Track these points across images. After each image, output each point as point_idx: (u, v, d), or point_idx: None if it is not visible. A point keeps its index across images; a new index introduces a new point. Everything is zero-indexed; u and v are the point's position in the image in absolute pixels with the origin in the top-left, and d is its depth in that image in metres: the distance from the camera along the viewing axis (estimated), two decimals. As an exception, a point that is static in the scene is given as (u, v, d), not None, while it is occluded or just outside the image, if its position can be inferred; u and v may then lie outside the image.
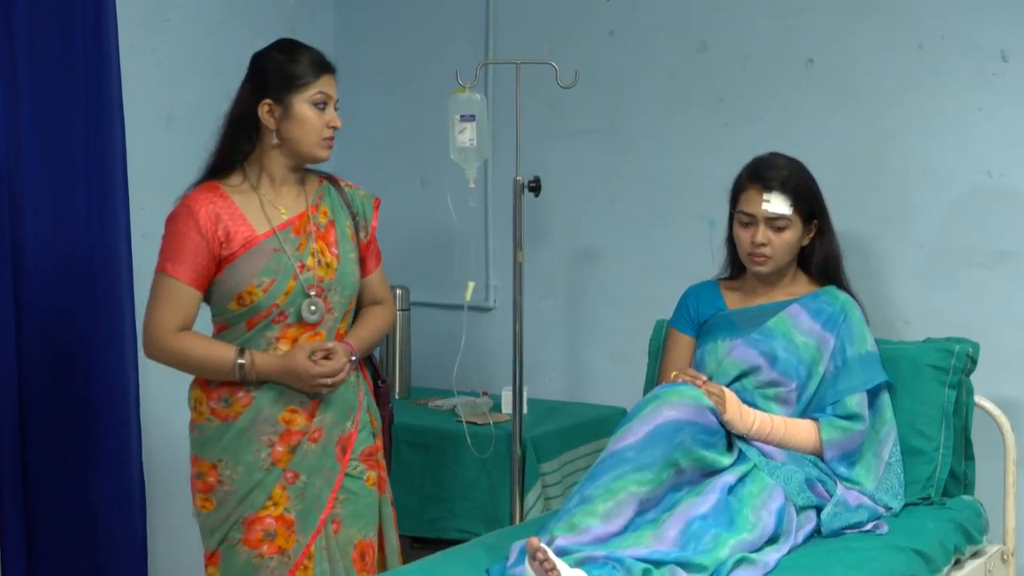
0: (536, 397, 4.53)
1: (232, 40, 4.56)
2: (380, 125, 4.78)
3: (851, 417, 3.39)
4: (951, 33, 3.96)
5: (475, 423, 4.13)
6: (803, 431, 3.40)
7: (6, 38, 3.73)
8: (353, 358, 3.24)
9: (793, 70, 4.20)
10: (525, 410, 4.03)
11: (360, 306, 3.38)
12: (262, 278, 3.15)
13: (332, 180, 3.38)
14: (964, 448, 3.58)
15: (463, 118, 3.82)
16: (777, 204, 3.39)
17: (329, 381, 3.16)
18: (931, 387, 3.54)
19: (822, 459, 3.40)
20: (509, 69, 3.99)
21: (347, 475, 3.27)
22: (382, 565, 3.38)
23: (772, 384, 3.44)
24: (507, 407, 4.19)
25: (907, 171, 4.05)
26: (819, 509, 3.27)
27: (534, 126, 4.33)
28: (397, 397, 4.52)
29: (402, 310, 4.50)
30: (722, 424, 3.27)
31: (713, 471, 3.20)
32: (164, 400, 4.34)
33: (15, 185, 3.78)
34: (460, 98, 3.83)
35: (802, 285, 3.54)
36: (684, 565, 2.92)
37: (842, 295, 3.51)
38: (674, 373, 3.40)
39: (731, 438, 3.32)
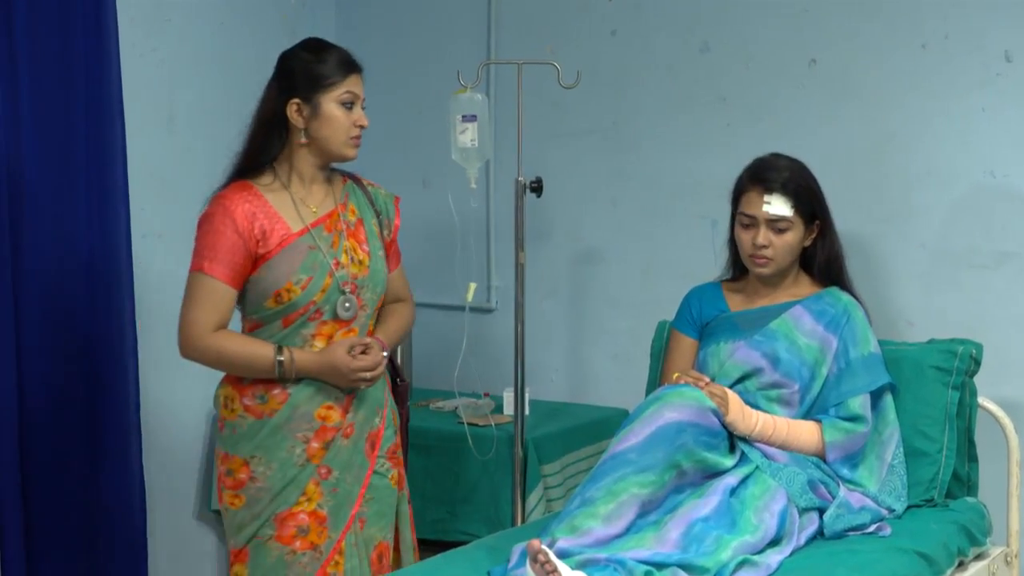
0: (538, 398, 4.54)
1: (233, 40, 4.57)
2: (381, 125, 4.70)
3: (854, 419, 3.38)
4: (955, 33, 3.95)
5: (476, 424, 4.12)
6: (806, 433, 3.39)
7: (6, 38, 3.72)
8: (385, 353, 3.27)
9: (796, 70, 4.19)
10: (527, 411, 4.02)
11: (382, 304, 3.41)
12: (300, 275, 3.17)
13: (355, 179, 3.41)
14: (967, 450, 3.57)
15: (465, 118, 3.82)
16: (778, 206, 3.38)
17: (368, 375, 3.19)
18: (934, 388, 3.52)
19: (825, 461, 3.39)
20: (511, 69, 3.99)
21: (375, 472, 3.30)
22: (397, 564, 3.40)
23: (774, 386, 3.43)
24: (509, 408, 4.19)
25: (910, 171, 4.04)
26: (822, 511, 3.26)
27: (536, 126, 4.31)
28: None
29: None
30: (724, 426, 3.26)
31: (715, 473, 3.19)
32: (164, 401, 4.37)
33: (15, 185, 3.77)
34: (462, 98, 3.83)
35: (804, 286, 3.53)
36: (686, 567, 2.91)
37: (845, 296, 3.50)
38: (676, 374, 3.39)
39: (733, 440, 3.30)
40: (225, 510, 3.28)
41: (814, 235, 3.49)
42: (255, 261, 3.18)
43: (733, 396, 3.32)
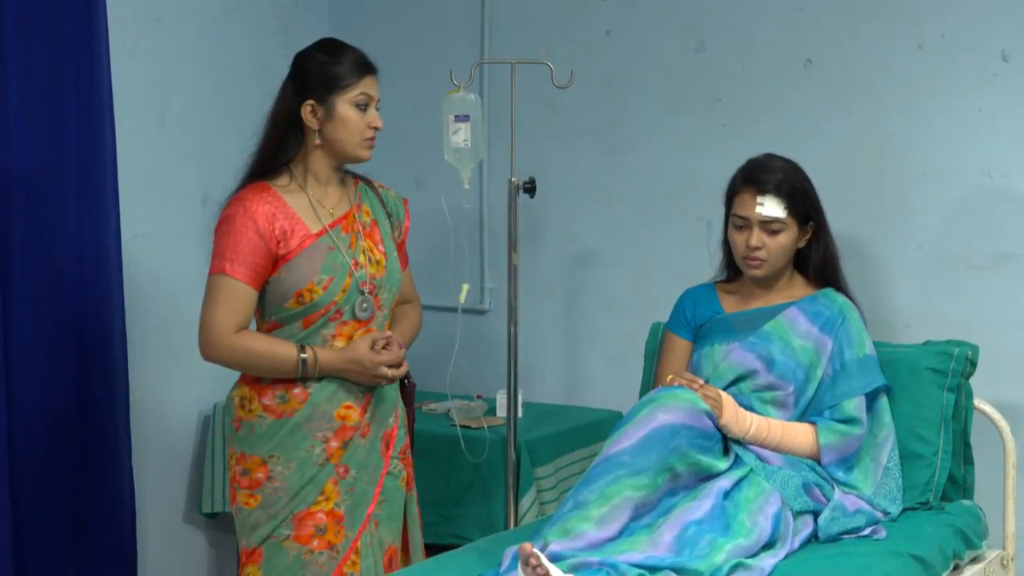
0: (532, 401, 4.53)
1: (225, 39, 4.56)
2: (374, 125, 4.76)
3: (849, 421, 3.37)
4: (952, 33, 3.94)
5: (469, 427, 4.11)
6: (800, 435, 3.37)
7: (-5, 37, 3.71)
8: (403, 351, 3.31)
9: (792, 70, 4.18)
10: (520, 414, 4.01)
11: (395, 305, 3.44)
12: (321, 276, 3.19)
13: (366, 181, 3.43)
14: (963, 452, 3.55)
15: (457, 118, 3.79)
16: (771, 207, 3.37)
17: (391, 372, 3.22)
18: (930, 390, 3.51)
19: (819, 463, 3.37)
20: (505, 69, 3.97)
21: (388, 473, 3.33)
22: (406, 564, 3.40)
23: (769, 388, 3.41)
24: (502, 411, 4.18)
25: (907, 172, 4.02)
26: (816, 514, 3.24)
27: (530, 127, 4.31)
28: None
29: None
30: (718, 428, 3.25)
31: (709, 476, 3.17)
32: (154, 402, 4.36)
33: (4, 185, 3.75)
34: (454, 98, 3.80)
35: (799, 288, 3.52)
36: (679, 571, 2.89)
37: (840, 298, 3.49)
38: (670, 376, 3.37)
39: (727, 442, 3.29)
40: (239, 510, 3.28)
41: (808, 236, 3.47)
42: (275, 262, 3.18)
43: (727, 398, 3.30)
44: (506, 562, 2.95)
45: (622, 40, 4.45)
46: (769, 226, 3.38)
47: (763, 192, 3.37)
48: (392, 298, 3.36)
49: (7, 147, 3.75)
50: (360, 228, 3.29)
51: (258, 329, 3.28)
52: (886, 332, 3.90)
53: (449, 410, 4.15)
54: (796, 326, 3.43)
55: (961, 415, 3.53)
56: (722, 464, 3.21)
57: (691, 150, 4.34)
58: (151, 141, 4.31)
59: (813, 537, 3.22)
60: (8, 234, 3.76)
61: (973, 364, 3.54)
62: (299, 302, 3.19)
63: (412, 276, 3.53)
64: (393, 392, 3.36)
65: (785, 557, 3.08)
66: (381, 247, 3.32)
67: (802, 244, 3.47)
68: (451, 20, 4.77)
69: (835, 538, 3.22)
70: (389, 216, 3.40)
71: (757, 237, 3.39)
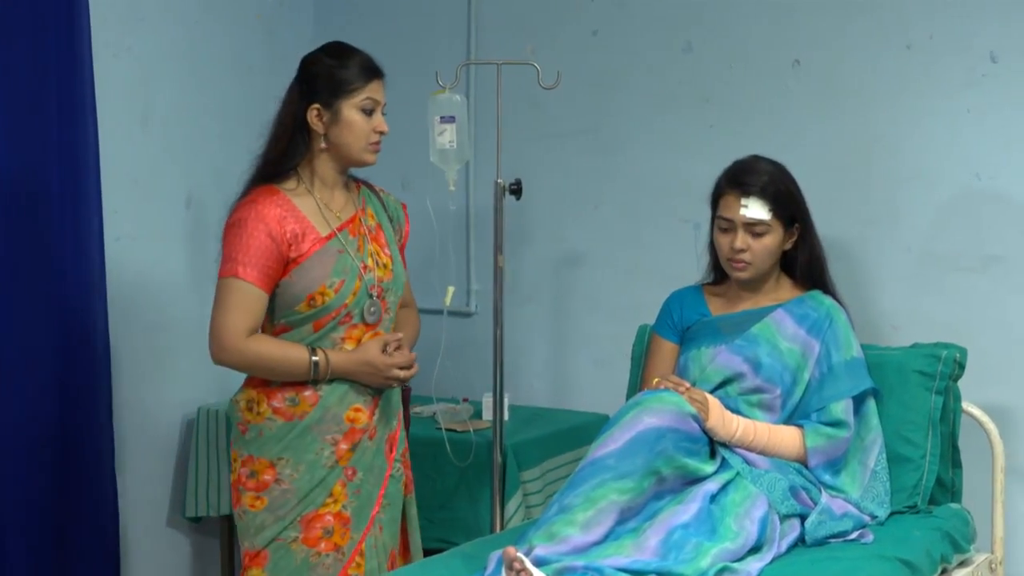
0: (519, 404, 4.52)
1: (209, 39, 4.55)
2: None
3: (836, 424, 3.35)
4: (940, 33, 3.93)
5: (455, 430, 4.09)
6: (787, 438, 3.36)
7: (-25, 37, 3.70)
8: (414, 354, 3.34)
9: (780, 71, 4.16)
10: (506, 417, 3.99)
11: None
12: (333, 279, 3.20)
13: (368, 185, 3.45)
14: (951, 455, 3.54)
15: (443, 119, 3.77)
16: (755, 209, 3.35)
17: (403, 374, 3.25)
18: (918, 393, 3.50)
19: (806, 467, 3.36)
20: (491, 69, 3.94)
21: (391, 476, 3.35)
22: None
23: (756, 391, 3.40)
24: (488, 414, 4.16)
25: (895, 173, 4.01)
26: (803, 518, 3.23)
27: (517, 128, 4.29)
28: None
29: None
30: (705, 431, 3.23)
31: (695, 479, 3.16)
32: (138, 406, 4.35)
33: (-15, 187, 3.74)
34: (440, 99, 3.78)
35: (786, 290, 3.51)
36: (665, 575, 2.87)
37: (827, 300, 3.47)
38: (656, 379, 3.36)
39: (714, 445, 3.28)
40: (243, 512, 3.26)
41: (794, 239, 3.46)
42: (286, 265, 3.18)
43: (714, 401, 3.29)
44: (490, 566, 2.93)
45: (609, 40, 4.44)
46: (753, 228, 3.37)
47: (747, 194, 3.36)
48: (397, 301, 3.38)
49: (-12, 147, 3.73)
50: (366, 232, 3.31)
51: (265, 332, 3.26)
52: (874, 334, 3.89)
53: (435, 413, 4.14)
54: (783, 329, 3.42)
55: (949, 418, 3.52)
56: (708, 467, 3.19)
57: (679, 151, 4.33)
58: (134, 141, 4.29)
59: (800, 541, 3.21)
60: (-11, 236, 3.75)
61: (961, 366, 3.53)
62: (310, 305, 3.20)
63: (408, 280, 3.54)
64: (397, 395, 3.39)
65: (772, 561, 3.06)
66: (387, 251, 3.34)
67: (788, 246, 3.45)
68: (437, 21, 4.75)
69: (822, 542, 3.21)
70: (391, 220, 3.42)
71: (742, 239, 3.37)
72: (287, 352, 3.19)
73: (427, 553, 3.51)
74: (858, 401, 3.40)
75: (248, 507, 3.25)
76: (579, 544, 2.93)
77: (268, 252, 3.15)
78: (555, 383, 4.62)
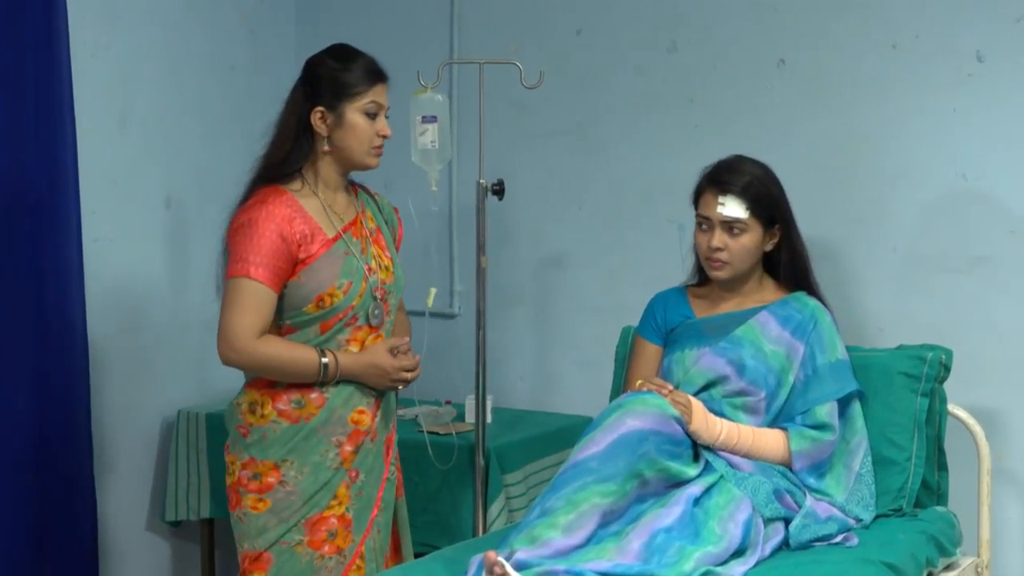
0: (502, 406, 4.51)
1: (188, 38, 4.53)
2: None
3: (821, 427, 3.34)
4: (926, 33, 3.91)
5: (437, 433, 4.06)
6: (771, 441, 3.34)
7: (-49, 36, 3.68)
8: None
9: (765, 70, 4.15)
10: (489, 419, 3.99)
11: None
12: (342, 280, 3.21)
13: (364, 188, 3.45)
14: (937, 458, 3.52)
15: (425, 119, 3.76)
16: (732, 208, 3.34)
17: (409, 376, 3.27)
18: (903, 395, 3.48)
19: (791, 470, 3.34)
20: (474, 69, 3.93)
21: (387, 479, 3.37)
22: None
23: (740, 394, 3.38)
24: (471, 416, 4.13)
25: (881, 173, 4.00)
26: (787, 521, 3.21)
27: (500, 128, 4.29)
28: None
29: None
30: (688, 434, 3.21)
31: (679, 482, 3.14)
32: (116, 409, 4.33)
33: (-40, 188, 3.72)
34: (422, 99, 3.77)
35: (770, 291, 3.49)
36: (647, 579, 2.86)
37: (812, 301, 3.46)
38: (639, 382, 3.35)
39: (697, 448, 3.26)
40: (244, 514, 3.25)
41: (776, 240, 3.44)
42: (294, 266, 3.17)
43: (697, 404, 3.27)
44: (471, 570, 2.92)
45: (593, 40, 4.42)
46: (731, 227, 3.35)
47: (725, 192, 3.35)
48: (397, 304, 3.40)
49: (-36, 149, 3.72)
50: (368, 234, 3.32)
51: (270, 334, 3.25)
52: (859, 336, 3.87)
53: (417, 416, 4.11)
54: (767, 331, 3.40)
55: (935, 420, 3.51)
56: (692, 470, 3.17)
57: (663, 151, 4.31)
58: (113, 142, 4.26)
59: (784, 544, 3.19)
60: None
61: (947, 368, 3.51)
62: (319, 306, 3.20)
63: None
64: (394, 398, 3.41)
65: (755, 565, 3.05)
66: (387, 253, 3.37)
67: (769, 247, 3.44)
68: (419, 20, 4.73)
69: (806, 545, 3.19)
70: (386, 223, 3.44)
71: (719, 238, 3.36)
72: (297, 354, 3.18)
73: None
74: (843, 403, 3.39)
75: (250, 509, 3.24)
76: (561, 547, 2.91)
77: (279, 252, 3.14)
78: (538, 385, 4.60)
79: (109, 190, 4.23)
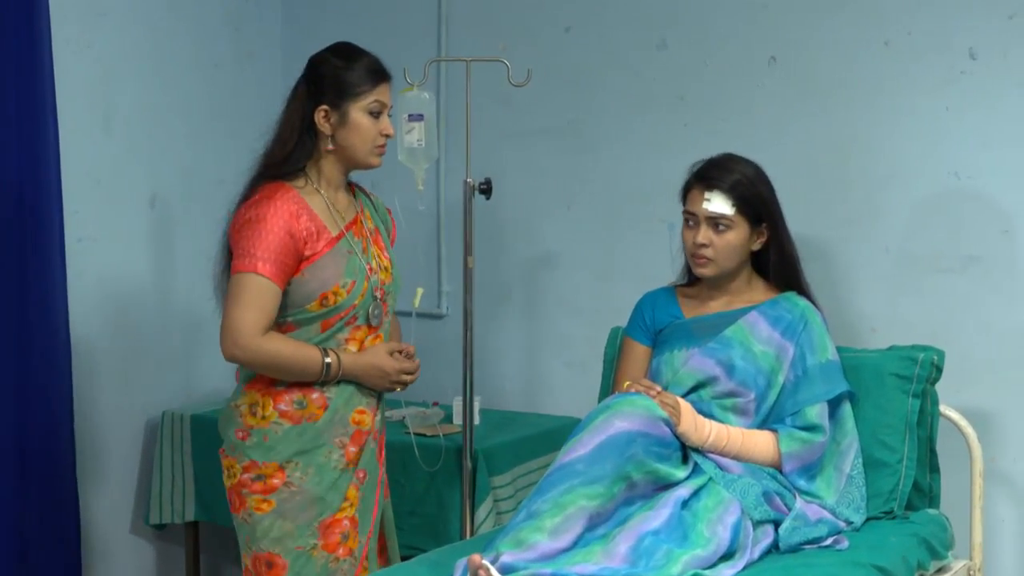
0: (491, 408, 4.49)
1: (173, 36, 4.51)
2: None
3: (811, 428, 3.31)
4: (918, 30, 3.89)
5: (424, 435, 4.04)
6: (761, 443, 3.32)
7: (-70, 33, 3.66)
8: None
9: (756, 68, 4.13)
10: (477, 421, 3.98)
11: None
12: (346, 279, 3.21)
13: (360, 188, 3.45)
14: (929, 460, 3.50)
15: (411, 117, 3.74)
16: (718, 204, 3.32)
17: (408, 379, 3.29)
18: (894, 397, 3.46)
19: (781, 472, 3.32)
20: (462, 67, 3.91)
21: (381, 480, 3.38)
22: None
23: (730, 395, 3.36)
24: (459, 418, 4.12)
25: (873, 172, 3.98)
26: (777, 524, 3.18)
27: (487, 126, 4.28)
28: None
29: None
30: (676, 436, 3.19)
31: (667, 484, 3.12)
32: (99, 411, 4.31)
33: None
34: (408, 97, 3.75)
35: (760, 291, 3.47)
36: (634, 583, 2.84)
37: (802, 301, 3.43)
38: (627, 383, 3.32)
39: (686, 450, 3.24)
40: (248, 516, 3.23)
41: (763, 239, 3.41)
42: (299, 263, 3.17)
43: (685, 406, 3.25)
44: (456, 574, 2.89)
45: (582, 37, 4.40)
46: (716, 223, 3.33)
47: (711, 188, 3.33)
48: (395, 304, 3.40)
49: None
50: (367, 234, 3.32)
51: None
52: (851, 336, 3.86)
53: (404, 417, 4.09)
54: (757, 331, 3.38)
55: (927, 422, 3.48)
56: (680, 473, 3.15)
57: (653, 150, 4.29)
58: (96, 140, 4.24)
59: (773, 547, 3.16)
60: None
61: (939, 369, 3.49)
62: (323, 304, 3.19)
63: None
64: (386, 398, 3.41)
65: (744, 568, 3.02)
66: (386, 254, 3.37)
67: (756, 246, 3.41)
68: (407, 17, 4.72)
69: (796, 548, 3.16)
70: (383, 223, 3.45)
71: (704, 234, 3.34)
72: (301, 352, 3.17)
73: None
74: (833, 405, 3.37)
75: (254, 510, 3.22)
76: (547, 551, 2.89)
77: (287, 248, 3.13)
78: (527, 387, 4.59)
79: (93, 189, 4.21)
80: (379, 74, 3.25)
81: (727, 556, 3.02)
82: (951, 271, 3.88)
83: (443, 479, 3.96)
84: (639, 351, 3.53)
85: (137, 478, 4.44)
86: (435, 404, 4.34)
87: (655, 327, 3.52)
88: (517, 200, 4.48)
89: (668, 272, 3.68)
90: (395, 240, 3.49)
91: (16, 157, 3.83)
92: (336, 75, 3.21)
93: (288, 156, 3.23)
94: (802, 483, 3.31)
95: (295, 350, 3.17)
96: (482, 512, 3.92)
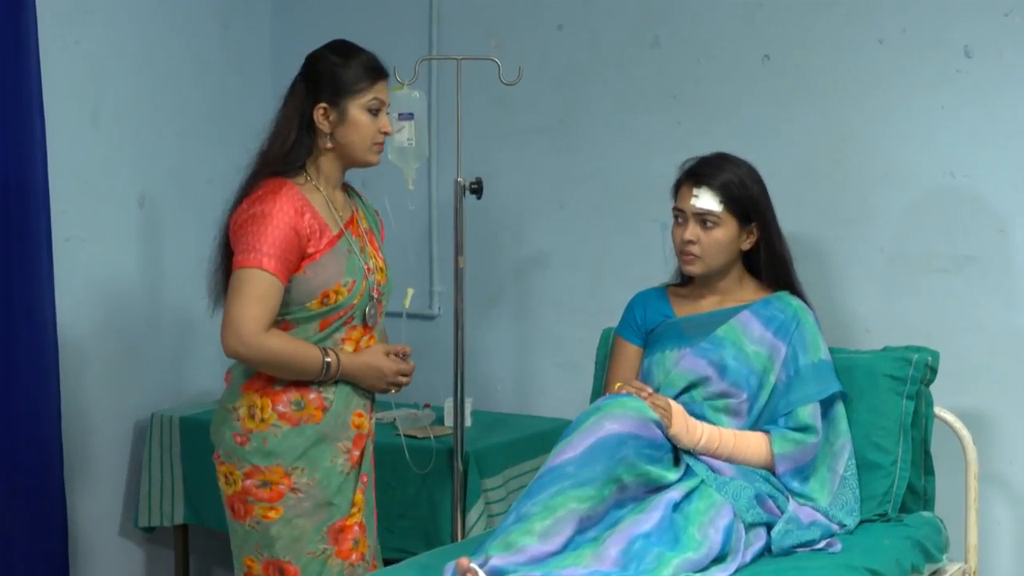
0: (482, 409, 4.47)
1: (162, 33, 4.49)
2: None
3: (803, 429, 3.29)
4: (913, 27, 3.88)
5: (415, 437, 4.02)
6: (753, 444, 3.30)
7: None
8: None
9: (749, 66, 4.12)
10: (468, 423, 3.96)
11: None
12: (347, 278, 3.20)
13: (352, 188, 3.44)
14: (923, 462, 3.49)
15: (401, 116, 3.73)
16: (706, 200, 3.31)
17: (404, 380, 3.30)
18: (888, 398, 3.44)
19: (774, 474, 3.30)
20: (453, 65, 3.89)
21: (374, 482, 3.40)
22: None
23: (722, 395, 3.35)
24: (450, 420, 4.10)
25: (867, 171, 3.96)
26: (770, 526, 3.16)
27: (479, 125, 4.24)
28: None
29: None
30: (668, 438, 3.17)
31: (658, 487, 3.10)
32: (87, 412, 4.28)
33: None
34: (398, 95, 3.72)
35: (751, 291, 3.45)
36: (625, 586, 2.82)
37: (795, 301, 3.42)
38: (618, 384, 3.31)
39: (678, 452, 3.22)
40: (256, 523, 3.21)
41: (753, 238, 3.40)
42: (301, 260, 3.16)
43: (677, 408, 3.23)
44: (445, 577, 2.88)
45: (574, 35, 4.39)
46: (704, 220, 3.32)
47: (699, 184, 3.33)
48: (388, 305, 3.39)
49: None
50: (363, 234, 3.32)
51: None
52: (845, 337, 3.85)
53: (395, 419, 4.06)
54: (749, 331, 3.36)
55: (921, 423, 3.47)
56: (672, 475, 3.13)
57: (646, 149, 4.28)
58: (84, 139, 4.22)
59: (766, 550, 3.14)
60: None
61: (933, 371, 3.47)
62: (323, 303, 3.18)
63: None
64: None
65: (736, 571, 3.00)
66: (380, 255, 3.36)
67: (746, 245, 3.40)
68: (397, 15, 4.70)
69: (788, 551, 3.14)
70: (374, 224, 3.44)
71: (691, 231, 3.33)
72: (302, 350, 3.16)
73: (386, 563, 3.47)
74: (826, 405, 3.35)
75: (262, 518, 3.20)
76: (537, 554, 2.87)
77: (291, 245, 3.12)
78: (519, 388, 4.57)
79: (80, 188, 4.19)
80: (377, 71, 3.25)
81: (719, 559, 3.00)
82: (946, 271, 3.86)
83: (434, 481, 3.94)
84: (630, 351, 3.51)
85: (125, 480, 4.42)
86: (427, 406, 4.30)
87: (646, 327, 3.50)
88: (508, 200, 4.46)
89: (661, 272, 3.68)
90: (384, 240, 3.47)
91: (2, 156, 3.81)
92: (334, 72, 3.21)
93: (287, 153, 3.21)
94: (795, 484, 3.29)
95: (296, 348, 3.15)
96: (473, 515, 3.89)
